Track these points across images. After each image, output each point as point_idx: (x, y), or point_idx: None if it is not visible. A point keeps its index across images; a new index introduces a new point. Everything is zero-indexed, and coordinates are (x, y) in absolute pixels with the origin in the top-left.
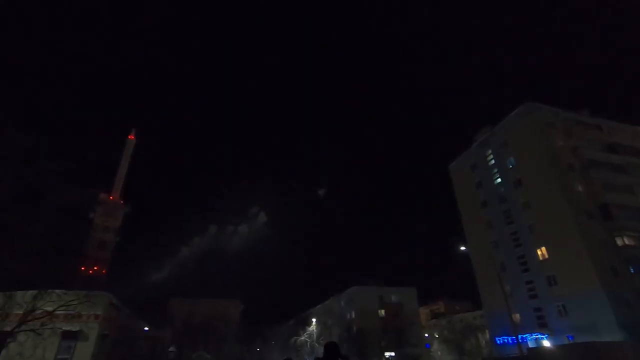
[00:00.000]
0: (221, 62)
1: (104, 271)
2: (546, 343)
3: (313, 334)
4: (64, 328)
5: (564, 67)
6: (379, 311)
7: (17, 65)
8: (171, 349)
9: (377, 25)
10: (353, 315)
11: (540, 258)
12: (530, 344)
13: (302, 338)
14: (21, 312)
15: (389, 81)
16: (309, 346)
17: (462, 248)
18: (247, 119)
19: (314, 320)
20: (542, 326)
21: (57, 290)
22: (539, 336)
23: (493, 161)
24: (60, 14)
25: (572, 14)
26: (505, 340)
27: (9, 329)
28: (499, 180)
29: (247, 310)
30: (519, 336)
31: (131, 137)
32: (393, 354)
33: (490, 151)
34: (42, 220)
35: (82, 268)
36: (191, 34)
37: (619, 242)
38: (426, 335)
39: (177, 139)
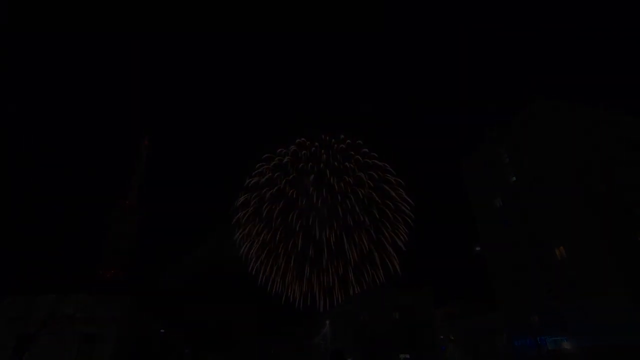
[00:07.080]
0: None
1: (121, 274)
2: (566, 346)
3: (327, 336)
4: (83, 330)
5: (579, 62)
6: (393, 313)
7: (28, 71)
8: (187, 350)
9: (384, 23)
10: (367, 318)
11: (559, 258)
12: (550, 347)
13: (316, 340)
14: (43, 315)
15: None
16: (322, 348)
17: (477, 248)
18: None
19: (327, 322)
20: (562, 328)
21: (76, 294)
22: (559, 338)
23: (507, 159)
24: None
25: (587, 6)
26: (524, 343)
27: (31, 331)
28: (514, 178)
29: (262, 313)
30: (538, 338)
31: (145, 142)
32: (408, 356)
33: (504, 149)
34: (62, 226)
35: (100, 272)
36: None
37: None
38: (441, 337)
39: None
